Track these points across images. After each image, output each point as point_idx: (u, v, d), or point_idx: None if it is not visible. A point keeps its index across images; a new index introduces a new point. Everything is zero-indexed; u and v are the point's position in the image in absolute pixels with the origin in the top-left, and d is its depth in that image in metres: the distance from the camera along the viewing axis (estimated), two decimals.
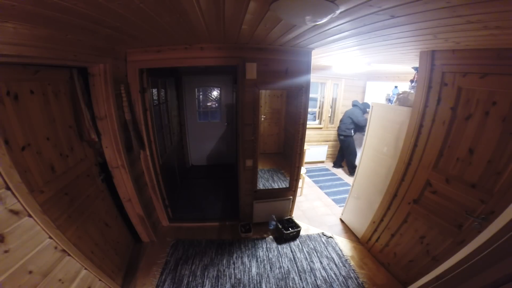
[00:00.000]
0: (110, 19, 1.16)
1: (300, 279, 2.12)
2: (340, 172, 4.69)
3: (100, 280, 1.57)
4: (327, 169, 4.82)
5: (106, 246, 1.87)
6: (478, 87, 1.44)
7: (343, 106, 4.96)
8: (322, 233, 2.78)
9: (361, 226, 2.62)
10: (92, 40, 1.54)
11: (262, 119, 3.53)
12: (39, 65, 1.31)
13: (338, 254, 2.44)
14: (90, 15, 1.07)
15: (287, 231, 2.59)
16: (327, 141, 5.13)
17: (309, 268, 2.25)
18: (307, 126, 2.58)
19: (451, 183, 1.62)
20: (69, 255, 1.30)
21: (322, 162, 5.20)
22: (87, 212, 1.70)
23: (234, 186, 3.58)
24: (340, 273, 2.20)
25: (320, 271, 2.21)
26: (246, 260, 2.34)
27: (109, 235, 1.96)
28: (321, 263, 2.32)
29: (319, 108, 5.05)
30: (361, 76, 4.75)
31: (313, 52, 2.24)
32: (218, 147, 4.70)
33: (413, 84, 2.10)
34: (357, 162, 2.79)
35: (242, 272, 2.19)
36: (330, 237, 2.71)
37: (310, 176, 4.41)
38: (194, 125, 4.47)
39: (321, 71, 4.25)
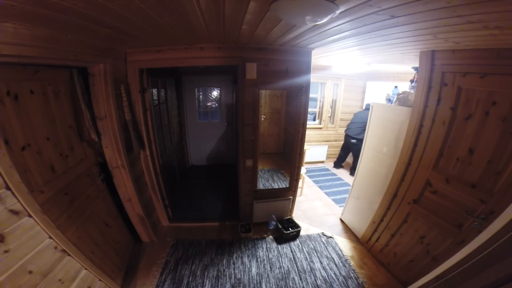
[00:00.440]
0: (110, 19, 1.16)
1: (300, 279, 2.12)
2: (340, 172, 4.69)
3: (100, 280, 1.57)
4: (327, 169, 4.82)
5: (106, 246, 1.87)
6: (478, 87, 1.44)
7: (343, 106, 4.96)
8: (322, 233, 2.78)
9: (361, 226, 2.62)
10: (92, 40, 1.54)
11: (262, 119, 3.53)
12: (39, 65, 1.31)
13: (338, 254, 2.44)
14: (90, 15, 1.07)
15: (287, 231, 2.59)
16: (327, 141, 5.14)
17: (309, 268, 2.25)
18: (307, 126, 2.58)
19: (451, 183, 1.62)
20: (69, 255, 1.30)
21: (322, 162, 5.20)
22: (87, 212, 1.70)
23: (234, 186, 3.58)
24: (340, 273, 2.20)
25: (320, 271, 2.21)
26: (246, 260, 2.34)
27: (109, 235, 1.96)
28: (321, 263, 2.32)
29: (319, 108, 5.05)
30: (361, 76, 4.75)
31: (313, 52, 2.24)
32: (218, 147, 4.70)
33: (413, 84, 2.10)
34: (357, 162, 2.78)
35: (242, 272, 2.19)
36: (330, 237, 2.71)
37: (310, 176, 4.41)
38: (194, 125, 4.46)
39: (321, 71, 4.25)
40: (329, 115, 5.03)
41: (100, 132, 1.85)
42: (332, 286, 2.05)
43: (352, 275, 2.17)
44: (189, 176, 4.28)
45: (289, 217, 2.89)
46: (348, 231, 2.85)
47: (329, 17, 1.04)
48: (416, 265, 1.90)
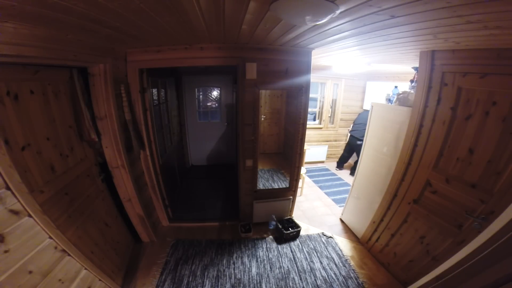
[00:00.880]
0: (110, 19, 1.16)
1: (300, 279, 2.12)
2: (340, 172, 4.69)
3: (100, 280, 1.57)
4: (327, 169, 4.82)
5: (106, 246, 1.87)
6: (478, 87, 1.44)
7: (343, 106, 4.96)
8: (322, 233, 2.78)
9: (361, 226, 2.62)
10: (92, 40, 1.54)
11: (262, 119, 3.53)
12: (39, 65, 1.31)
13: (338, 254, 2.44)
14: (90, 15, 1.07)
15: (287, 231, 2.59)
16: (327, 141, 5.14)
17: (309, 268, 2.25)
18: (307, 126, 2.58)
19: (451, 183, 1.62)
20: (69, 255, 1.30)
21: (322, 162, 5.20)
22: (87, 212, 1.70)
23: (234, 186, 3.58)
24: (340, 273, 2.20)
25: (320, 271, 2.21)
26: (246, 260, 2.33)
27: (109, 235, 1.96)
28: (321, 263, 2.32)
29: (319, 108, 5.05)
30: (361, 76, 4.75)
31: (313, 52, 2.24)
32: (218, 147, 4.70)
33: (413, 84, 2.10)
34: (358, 162, 2.78)
35: (242, 272, 2.19)
36: (330, 237, 2.71)
37: (310, 176, 4.41)
38: (194, 125, 4.46)
39: (321, 71, 4.25)
40: (329, 115, 5.03)
41: (100, 132, 1.85)
42: (332, 286, 2.05)
43: (352, 275, 2.17)
44: (189, 176, 4.28)
45: (289, 217, 2.89)
46: (348, 231, 2.85)
47: (329, 17, 1.04)
48: (416, 265, 1.90)
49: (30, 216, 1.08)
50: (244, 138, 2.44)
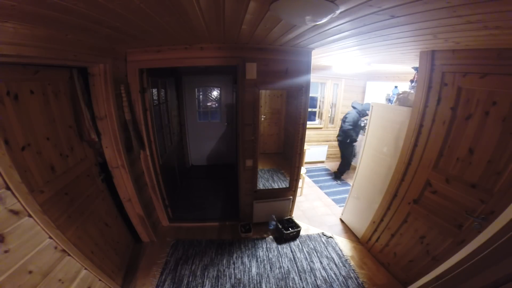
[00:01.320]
0: (110, 19, 1.16)
1: (300, 279, 2.12)
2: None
3: (100, 280, 1.57)
4: (327, 169, 4.82)
5: (106, 246, 1.87)
6: (478, 87, 1.44)
7: (343, 106, 4.96)
8: (322, 233, 2.78)
9: (361, 226, 2.61)
10: (92, 40, 1.54)
11: (262, 119, 3.53)
12: (39, 65, 1.31)
13: (338, 254, 2.44)
14: (90, 15, 1.07)
15: (287, 231, 2.59)
16: (327, 141, 5.14)
17: (309, 268, 2.25)
18: (307, 126, 2.58)
19: (451, 183, 1.62)
20: (69, 255, 1.30)
21: (322, 162, 5.20)
22: (87, 212, 1.70)
23: (234, 186, 3.58)
24: (340, 273, 2.20)
25: (320, 271, 2.21)
26: (246, 260, 2.34)
27: (109, 235, 1.96)
28: (321, 263, 2.32)
29: (319, 108, 5.05)
30: (361, 76, 4.75)
31: (313, 52, 2.24)
32: (218, 147, 4.70)
33: (413, 84, 2.11)
34: (357, 162, 2.78)
35: (242, 272, 2.19)
36: (330, 237, 2.71)
37: (310, 176, 4.41)
38: (194, 125, 4.46)
39: (321, 71, 4.25)
40: (329, 115, 5.03)
41: (100, 132, 1.85)
42: (332, 286, 2.05)
43: (352, 275, 2.17)
44: (189, 176, 4.28)
45: (289, 217, 2.89)
46: (348, 231, 2.85)
47: (329, 17, 1.04)
48: (416, 265, 1.90)
49: (30, 216, 1.08)
50: (244, 138, 2.44)
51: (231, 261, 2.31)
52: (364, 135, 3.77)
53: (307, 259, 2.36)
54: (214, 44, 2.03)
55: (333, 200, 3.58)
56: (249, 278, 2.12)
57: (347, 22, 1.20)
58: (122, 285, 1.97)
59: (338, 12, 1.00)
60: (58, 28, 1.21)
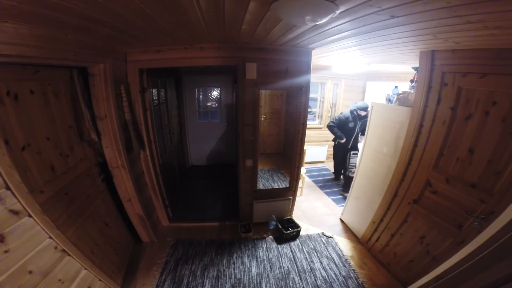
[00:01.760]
0: (110, 19, 1.16)
1: (300, 279, 2.12)
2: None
3: (100, 280, 1.57)
4: (327, 169, 4.82)
5: (106, 246, 1.87)
6: (478, 87, 1.44)
7: (343, 106, 4.96)
8: (322, 233, 2.78)
9: (361, 226, 2.61)
10: (92, 40, 1.54)
11: (262, 119, 3.53)
12: (39, 65, 1.31)
13: (338, 254, 2.44)
14: (90, 15, 1.07)
15: (287, 231, 2.59)
16: (327, 141, 5.13)
17: (309, 268, 2.25)
18: (307, 126, 2.57)
19: (451, 183, 1.62)
20: (69, 255, 1.30)
21: (322, 162, 5.20)
22: (87, 212, 1.70)
23: (234, 186, 3.58)
24: (340, 273, 2.20)
25: (320, 271, 2.21)
26: (246, 260, 2.33)
27: (109, 235, 1.96)
28: (321, 263, 2.31)
29: (319, 108, 5.06)
30: (361, 76, 4.75)
31: (313, 52, 2.24)
32: (218, 147, 4.70)
33: (413, 84, 2.10)
34: (357, 162, 2.78)
35: (242, 272, 2.19)
36: (330, 237, 2.71)
37: (310, 176, 4.41)
38: (194, 125, 4.47)
39: (321, 71, 4.25)
40: (329, 115, 5.03)
41: (100, 132, 1.85)
42: (332, 286, 2.05)
43: (352, 275, 2.17)
44: (189, 176, 4.28)
45: (289, 217, 2.89)
46: (348, 231, 2.85)
47: (329, 17, 1.04)
48: (416, 265, 1.90)
49: (30, 216, 1.08)
50: (244, 138, 2.44)
51: (231, 261, 2.31)
52: (360, 139, 3.72)
53: (307, 259, 2.36)
54: (214, 44, 2.03)
55: (333, 200, 3.58)
56: (249, 278, 2.12)
57: (347, 22, 1.20)
58: (122, 285, 1.96)
59: (338, 12, 1.00)
60: (58, 28, 1.21)
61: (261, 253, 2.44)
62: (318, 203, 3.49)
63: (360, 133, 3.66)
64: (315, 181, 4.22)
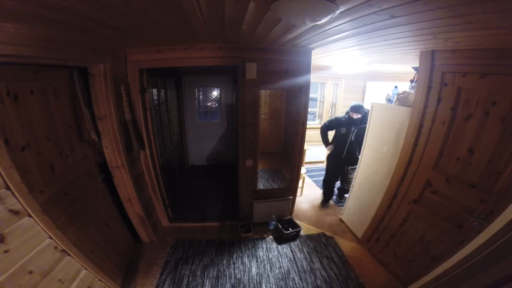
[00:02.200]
0: (110, 19, 1.16)
1: (300, 279, 2.12)
2: None
3: (100, 280, 1.57)
4: None
5: (106, 246, 1.87)
6: (478, 87, 1.44)
7: (343, 106, 4.95)
8: (322, 233, 2.78)
9: (361, 226, 2.61)
10: (92, 40, 1.54)
11: (262, 119, 3.52)
12: (39, 65, 1.31)
13: (338, 254, 2.44)
14: (90, 15, 1.07)
15: (287, 231, 2.59)
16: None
17: (309, 268, 2.25)
18: (307, 126, 2.57)
19: (451, 183, 1.62)
20: (69, 255, 1.30)
21: (322, 162, 5.19)
22: (87, 212, 1.70)
23: (234, 186, 3.58)
24: (340, 273, 2.19)
25: (320, 271, 2.21)
26: (246, 260, 2.33)
27: (109, 235, 1.96)
28: (321, 263, 2.31)
29: (319, 108, 5.05)
30: (361, 76, 4.75)
31: (313, 52, 2.24)
32: (218, 147, 4.70)
33: (413, 84, 2.10)
34: (358, 161, 2.77)
35: (242, 272, 2.18)
36: (330, 237, 2.71)
37: (310, 176, 4.41)
38: (194, 125, 4.47)
39: (321, 71, 4.25)
40: (329, 115, 5.03)
41: (100, 132, 1.85)
42: (332, 286, 2.05)
43: (352, 275, 2.17)
44: (189, 176, 4.28)
45: (289, 217, 2.89)
46: (348, 231, 2.85)
47: (329, 17, 1.04)
48: (416, 265, 1.90)
49: (30, 216, 1.08)
50: (244, 138, 2.44)
51: (231, 261, 2.31)
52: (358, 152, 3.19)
53: (307, 259, 2.36)
54: (214, 44, 2.03)
55: (333, 200, 3.57)
56: (249, 278, 2.12)
57: (347, 22, 1.20)
58: (122, 285, 1.96)
59: (338, 12, 1.00)
60: (58, 28, 1.21)
61: (261, 253, 2.44)
62: (318, 203, 3.49)
63: (355, 141, 2.88)
64: (315, 181, 4.22)
